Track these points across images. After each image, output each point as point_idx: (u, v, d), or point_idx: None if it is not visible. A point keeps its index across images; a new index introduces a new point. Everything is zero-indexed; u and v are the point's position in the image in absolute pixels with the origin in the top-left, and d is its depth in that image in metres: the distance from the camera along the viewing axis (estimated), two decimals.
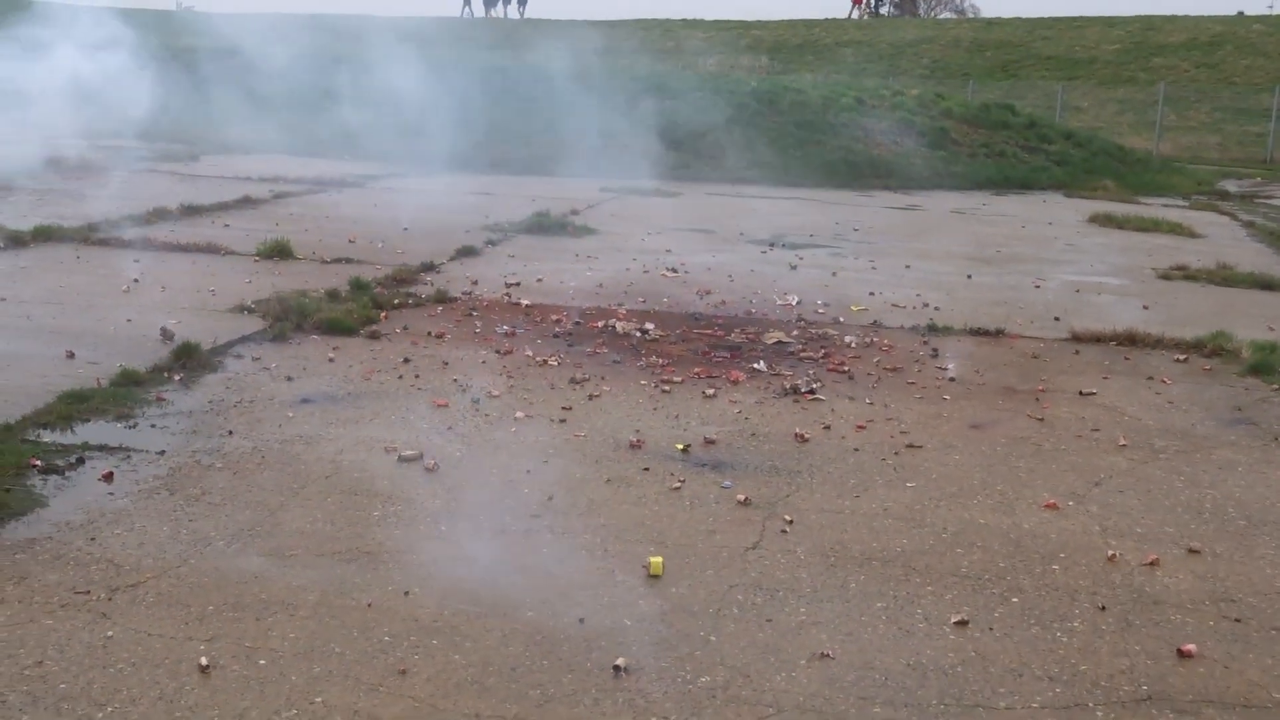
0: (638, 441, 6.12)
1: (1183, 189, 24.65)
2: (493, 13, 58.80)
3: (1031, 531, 5.18)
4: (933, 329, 9.26)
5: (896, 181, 22.68)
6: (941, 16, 68.18)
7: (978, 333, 9.20)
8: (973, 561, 4.83)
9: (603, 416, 6.60)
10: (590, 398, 6.96)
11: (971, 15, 67.47)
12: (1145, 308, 10.64)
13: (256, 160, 19.07)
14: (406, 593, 4.27)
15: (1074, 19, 50.08)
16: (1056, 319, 9.87)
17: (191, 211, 13.59)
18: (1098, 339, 9.08)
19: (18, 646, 3.75)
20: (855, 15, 57.96)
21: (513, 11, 59.02)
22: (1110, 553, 4.96)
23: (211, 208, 14.06)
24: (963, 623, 4.24)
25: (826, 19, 56.79)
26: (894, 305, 10.21)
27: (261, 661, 3.75)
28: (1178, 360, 8.57)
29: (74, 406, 6.11)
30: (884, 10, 57.77)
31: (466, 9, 59.14)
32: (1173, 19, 48.40)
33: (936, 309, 10.07)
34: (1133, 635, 4.23)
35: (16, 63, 14.10)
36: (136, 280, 9.47)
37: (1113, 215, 18.16)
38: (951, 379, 7.80)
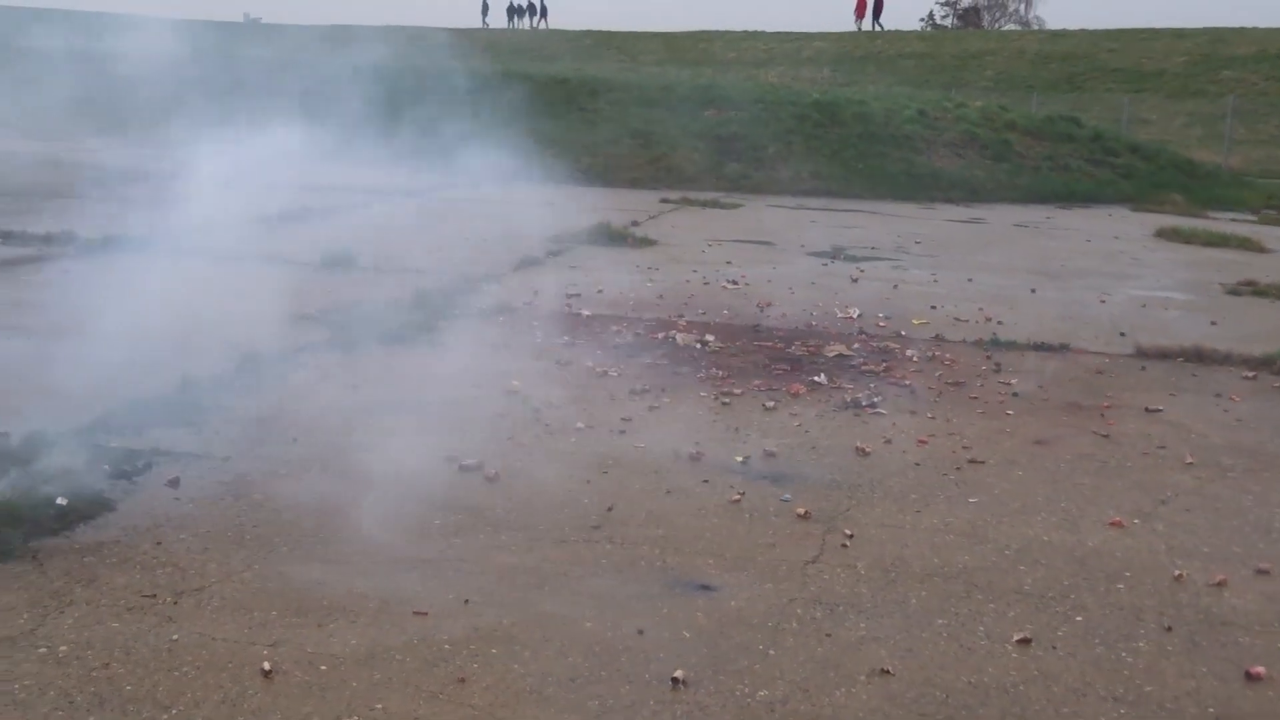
0: (697, 453, 6.12)
1: (1252, 203, 24.29)
2: (518, 23, 59.21)
3: (1096, 549, 5.12)
4: (996, 343, 9.18)
5: (959, 194, 22.53)
6: (1006, 28, 67.67)
7: (1041, 347, 9.11)
8: (1036, 579, 4.77)
9: (662, 428, 6.60)
10: (650, 409, 6.96)
11: (1037, 27, 66.91)
12: (1213, 323, 10.49)
13: (315, 169, 19.23)
14: (466, 601, 4.29)
15: (1141, 31, 49.54)
16: (1122, 334, 9.76)
17: (253, 220, 13.73)
18: (1164, 355, 8.96)
19: (86, 648, 3.81)
20: (861, 27, 57.21)
21: (523, 23, 59.40)
22: (1177, 572, 4.89)
23: (272, 216, 14.20)
24: (1025, 641, 4.20)
25: (890, 30, 56.51)
26: (956, 319, 10.14)
27: (323, 667, 3.78)
28: (1246, 377, 8.44)
29: (142, 411, 6.20)
30: (882, 23, 56.79)
31: (485, 21, 59.65)
32: (1242, 31, 47.73)
33: (1000, 323, 9.99)
34: (1199, 656, 4.17)
35: (84, 74, 14.33)
36: (201, 288, 9.58)
37: (1180, 230, 17.93)
38: (1015, 394, 7.73)
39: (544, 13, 60.12)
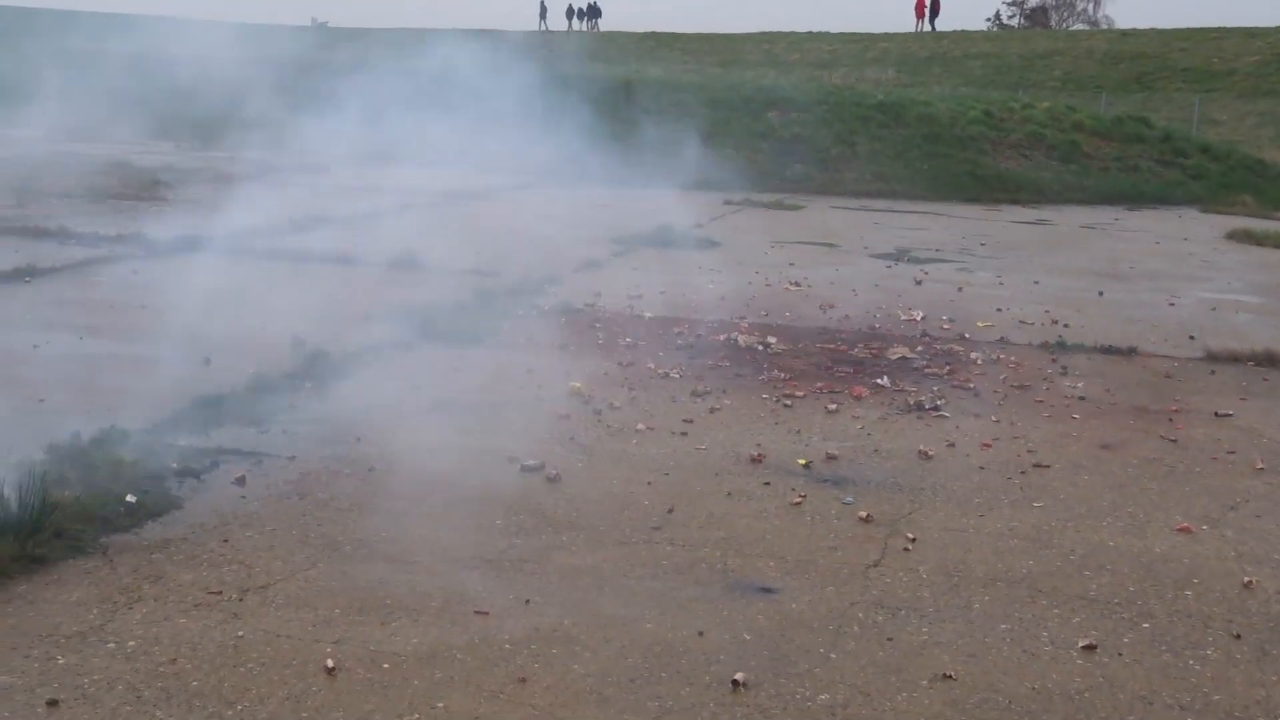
0: (759, 455, 6.11)
1: None
2: (577, 25, 59.34)
3: (1163, 555, 5.05)
4: (1062, 346, 9.08)
5: (1025, 196, 22.32)
6: (1074, 28, 66.88)
7: (1109, 350, 9.00)
8: (1101, 585, 4.72)
9: (724, 430, 6.59)
10: (712, 411, 6.96)
11: (1105, 26, 66.07)
12: None
13: (384, 171, 19.42)
14: (527, 601, 4.31)
15: (1212, 30, 48.74)
16: (1191, 337, 9.62)
17: (323, 221, 13.87)
18: (1235, 358, 8.82)
19: (154, 644, 3.87)
20: (921, 27, 56.55)
21: (581, 25, 59.40)
22: (1246, 579, 4.81)
23: (342, 218, 14.34)
24: (1091, 647, 4.15)
25: (955, 31, 56.03)
26: (1022, 321, 10.04)
27: (385, 665, 3.81)
28: None
29: (209, 411, 6.28)
30: (935, 25, 56.04)
31: (543, 23, 59.80)
32: None
33: (1066, 326, 9.88)
34: (1269, 665, 4.10)
35: (147, 77, 14.57)
36: (270, 289, 9.69)
37: (1252, 231, 17.64)
38: (1081, 397, 7.64)
39: (598, 14, 60.38)
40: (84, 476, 5.11)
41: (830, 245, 14.68)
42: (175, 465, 5.44)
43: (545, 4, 60.72)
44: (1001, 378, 8.08)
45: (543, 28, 58.95)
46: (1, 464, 4.75)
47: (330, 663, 3.78)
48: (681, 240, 13.94)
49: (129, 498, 4.95)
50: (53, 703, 3.50)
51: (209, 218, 13.04)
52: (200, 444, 5.83)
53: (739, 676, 3.80)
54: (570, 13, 60.19)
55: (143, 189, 16.25)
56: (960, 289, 11.67)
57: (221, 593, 4.26)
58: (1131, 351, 9.01)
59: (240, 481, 5.35)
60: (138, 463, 5.33)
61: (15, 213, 13.25)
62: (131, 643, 3.87)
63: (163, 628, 3.98)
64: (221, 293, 9.47)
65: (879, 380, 7.81)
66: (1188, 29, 49.54)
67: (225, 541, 4.71)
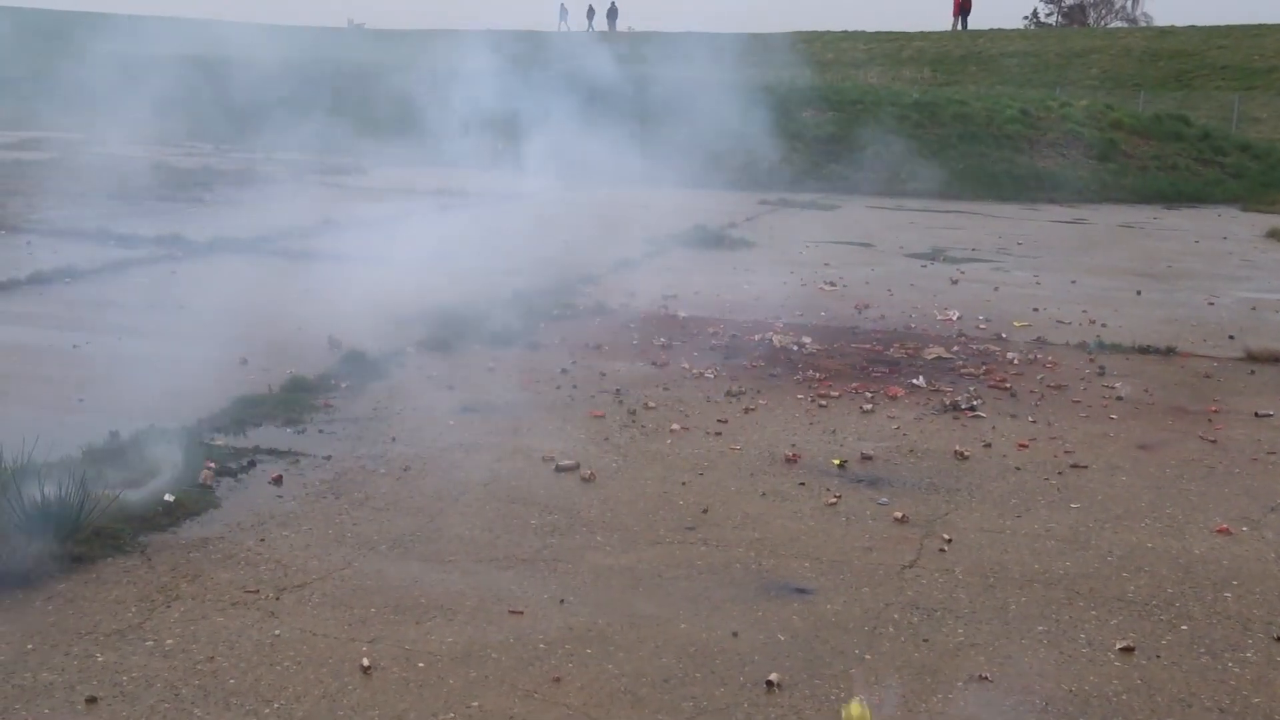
0: (793, 456, 6.09)
1: None
2: (593, 26, 59.14)
3: (1202, 557, 5.01)
4: (1099, 346, 9.01)
5: (1062, 195, 22.19)
6: (1112, 25, 66.39)
7: (1147, 350, 8.92)
8: (1139, 586, 4.68)
9: (759, 430, 6.58)
10: (746, 411, 6.95)
11: (1144, 24, 65.53)
12: None
13: (419, 172, 19.49)
14: (562, 601, 4.32)
15: (1252, 27, 48.22)
16: (1231, 337, 9.53)
17: (359, 223, 13.94)
18: (1275, 358, 8.73)
19: (191, 642, 3.90)
20: (958, 26, 56.14)
21: (598, 25, 59.18)
22: None
23: (378, 219, 14.40)
24: (1128, 649, 4.12)
25: (991, 29, 55.71)
26: (1059, 321, 9.98)
27: (420, 664, 3.82)
28: None
29: (246, 411, 6.34)
30: (968, 23, 55.59)
31: (563, 24, 59.64)
32: None
33: (1104, 325, 9.81)
34: None
35: (177, 80, 14.68)
36: (306, 290, 9.75)
37: None
38: (1119, 398, 7.58)
39: (615, 14, 60.20)
40: (123, 476, 5.16)
41: (865, 245, 14.63)
42: (213, 465, 5.47)
43: (565, 5, 60.62)
44: (1038, 378, 8.03)
45: (562, 28, 58.82)
46: (42, 463, 4.79)
47: (366, 661, 3.80)
48: (716, 240, 13.94)
49: (167, 497, 4.99)
50: (92, 700, 3.53)
51: (245, 218, 13.13)
52: (237, 444, 5.87)
53: (773, 677, 3.80)
54: (590, 13, 60.03)
55: (181, 190, 16.38)
56: (997, 289, 11.61)
57: (258, 591, 4.29)
58: (1170, 351, 8.93)
59: (277, 481, 5.38)
60: (176, 462, 5.37)
61: (56, 214, 13.39)
62: (170, 641, 3.90)
63: (200, 626, 4.01)
64: (258, 293, 9.54)
65: (915, 380, 7.77)
66: (1227, 26, 49.04)
67: (262, 541, 4.74)
